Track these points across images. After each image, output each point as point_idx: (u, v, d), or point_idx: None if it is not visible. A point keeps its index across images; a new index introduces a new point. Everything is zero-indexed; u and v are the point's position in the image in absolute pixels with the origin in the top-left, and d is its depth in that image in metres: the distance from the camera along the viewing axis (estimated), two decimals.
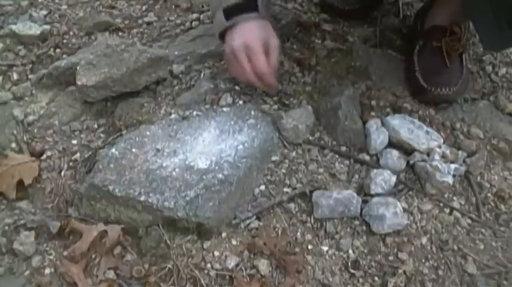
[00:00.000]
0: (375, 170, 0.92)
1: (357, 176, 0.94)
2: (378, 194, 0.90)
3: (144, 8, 1.37)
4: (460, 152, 0.98)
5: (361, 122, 1.01)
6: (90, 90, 1.01)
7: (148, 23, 1.31)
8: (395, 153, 0.96)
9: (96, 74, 1.01)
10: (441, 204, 0.92)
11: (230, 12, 0.98)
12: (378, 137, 0.98)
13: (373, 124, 1.00)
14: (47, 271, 0.80)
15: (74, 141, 1.00)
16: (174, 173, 0.85)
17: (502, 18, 0.85)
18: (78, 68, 1.03)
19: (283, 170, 0.94)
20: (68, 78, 1.07)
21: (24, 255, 0.81)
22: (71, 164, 0.95)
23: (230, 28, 0.98)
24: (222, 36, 1.01)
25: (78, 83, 1.01)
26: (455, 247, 0.86)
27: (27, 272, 0.80)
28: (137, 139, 0.91)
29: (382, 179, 0.91)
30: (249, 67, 0.96)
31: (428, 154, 0.96)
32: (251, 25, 0.97)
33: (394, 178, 0.92)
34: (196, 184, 0.84)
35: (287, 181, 0.92)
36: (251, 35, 0.96)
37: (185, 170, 0.86)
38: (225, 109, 1.01)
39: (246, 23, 0.97)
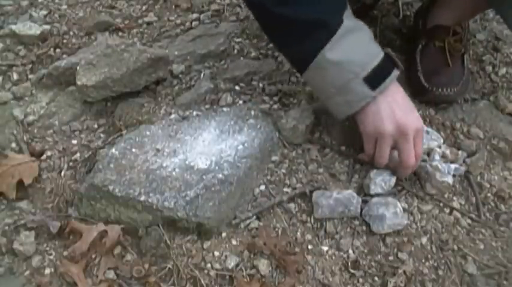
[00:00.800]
0: (375, 170, 0.92)
1: (357, 176, 0.94)
2: (378, 194, 0.90)
3: (144, 8, 1.37)
4: (460, 152, 0.98)
5: None
6: (90, 90, 1.01)
7: (148, 23, 1.31)
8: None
9: (96, 74, 1.01)
10: (441, 204, 0.92)
11: (374, 79, 0.80)
12: None
13: None
14: (47, 271, 0.80)
15: (74, 141, 1.00)
16: (174, 173, 0.85)
17: None
18: (78, 68, 1.03)
19: (283, 170, 0.94)
20: (68, 78, 1.07)
21: (24, 255, 0.81)
22: (71, 164, 0.96)
23: (375, 99, 0.82)
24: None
25: (78, 83, 1.01)
26: (455, 247, 0.86)
27: (27, 272, 0.80)
28: (137, 139, 0.91)
29: (382, 179, 0.90)
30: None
31: (428, 154, 0.96)
32: (402, 91, 0.84)
33: (394, 178, 0.92)
34: (196, 184, 0.84)
35: (287, 181, 0.92)
36: (413, 109, 0.84)
37: (185, 170, 0.86)
38: (225, 109, 1.01)
39: (395, 89, 0.83)
